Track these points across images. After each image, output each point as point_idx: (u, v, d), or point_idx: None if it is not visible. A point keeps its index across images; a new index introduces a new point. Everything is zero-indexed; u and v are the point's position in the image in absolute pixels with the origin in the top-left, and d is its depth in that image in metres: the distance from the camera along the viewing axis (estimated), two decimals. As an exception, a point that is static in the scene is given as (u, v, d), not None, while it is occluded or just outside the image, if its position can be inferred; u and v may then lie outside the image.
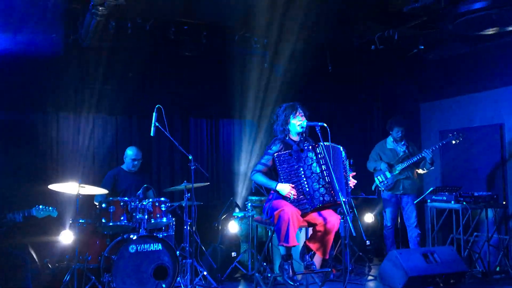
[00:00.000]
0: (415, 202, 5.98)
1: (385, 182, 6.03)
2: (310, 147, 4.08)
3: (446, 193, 5.75)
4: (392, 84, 7.67)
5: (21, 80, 5.65)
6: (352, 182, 4.17)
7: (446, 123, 7.07)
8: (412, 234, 5.99)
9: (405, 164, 5.94)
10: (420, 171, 6.04)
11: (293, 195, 4.00)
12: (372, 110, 8.11)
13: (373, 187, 6.21)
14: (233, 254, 5.84)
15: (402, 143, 6.14)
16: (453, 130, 6.11)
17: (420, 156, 5.85)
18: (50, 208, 4.07)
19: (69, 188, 4.77)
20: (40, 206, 4.01)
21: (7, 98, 5.64)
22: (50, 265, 5.07)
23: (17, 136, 5.77)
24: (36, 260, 4.95)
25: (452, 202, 5.62)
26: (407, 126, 6.24)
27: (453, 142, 5.80)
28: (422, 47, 6.17)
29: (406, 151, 6.06)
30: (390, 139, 6.19)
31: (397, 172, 5.98)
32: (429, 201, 5.94)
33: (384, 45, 6.07)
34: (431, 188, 5.85)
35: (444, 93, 7.21)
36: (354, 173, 4.24)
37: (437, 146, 5.86)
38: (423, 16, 5.50)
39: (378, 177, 6.10)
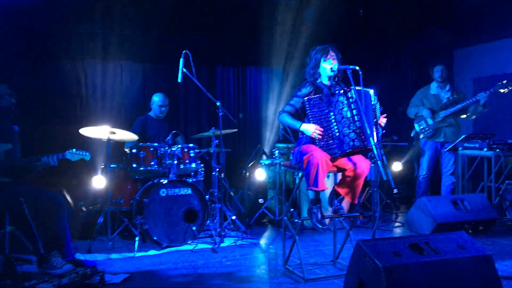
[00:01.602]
0: (446, 149, 5.85)
1: (426, 129, 5.84)
2: (342, 91, 3.99)
3: (479, 140, 5.61)
4: (424, 30, 7.39)
5: (49, 27, 5.65)
6: (382, 121, 4.07)
7: (480, 71, 6.83)
8: (446, 181, 5.90)
9: (449, 111, 5.72)
10: (470, 117, 5.82)
11: (318, 134, 3.95)
12: (403, 56, 7.87)
13: (412, 134, 6.04)
14: (261, 200, 5.92)
15: (447, 88, 5.89)
16: (486, 78, 5.87)
17: (472, 100, 5.58)
18: (83, 151, 4.14)
19: (99, 132, 4.84)
20: (74, 150, 4.08)
21: (36, 45, 5.68)
22: (84, 208, 5.24)
23: (47, 83, 5.83)
24: (71, 203, 5.11)
25: (485, 149, 5.50)
26: (447, 66, 5.95)
27: (501, 91, 5.51)
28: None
29: (451, 97, 5.82)
30: (434, 85, 5.95)
31: (440, 119, 5.77)
32: (460, 148, 5.81)
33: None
34: (463, 136, 5.71)
35: (478, 39, 6.92)
36: (385, 114, 4.14)
37: (492, 91, 5.53)
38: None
39: (420, 123, 5.90)
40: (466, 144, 5.71)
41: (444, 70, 5.84)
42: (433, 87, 5.95)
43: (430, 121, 5.82)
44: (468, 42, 7.10)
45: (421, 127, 5.89)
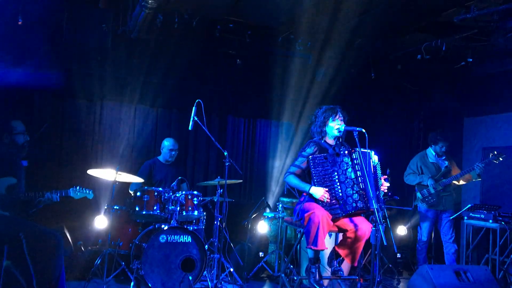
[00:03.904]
0: (451, 217, 5.81)
1: (429, 198, 5.84)
2: (346, 152, 4.04)
3: (485, 211, 5.57)
4: (436, 97, 7.50)
5: (68, 67, 5.84)
6: (384, 186, 4.07)
7: (490, 140, 6.85)
8: (449, 250, 5.81)
9: (449, 180, 5.78)
10: (461, 181, 5.88)
11: (327, 198, 3.96)
12: (413, 121, 7.95)
13: (414, 203, 6.07)
14: (261, 254, 5.84)
15: (443, 157, 5.98)
16: (496, 148, 5.92)
17: (468, 169, 5.68)
18: (86, 190, 4.18)
19: (106, 174, 4.91)
20: (77, 187, 4.13)
21: (53, 84, 5.84)
22: (83, 248, 5.22)
23: (60, 122, 5.97)
24: (70, 242, 5.10)
25: (490, 221, 5.44)
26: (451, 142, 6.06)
27: (495, 161, 5.60)
28: (471, 59, 6.00)
29: (449, 166, 5.89)
30: (431, 153, 6.01)
31: (441, 187, 5.81)
32: (466, 218, 5.76)
33: (431, 56, 5.95)
34: (469, 205, 5.67)
35: (490, 109, 6.99)
36: (385, 176, 4.15)
37: (487, 161, 5.63)
38: (474, 28, 5.36)
39: (422, 192, 5.92)
40: (471, 214, 5.67)
41: (448, 146, 5.95)
42: (430, 155, 6.01)
43: (432, 190, 5.83)
44: (479, 111, 7.16)
45: (425, 196, 5.89)
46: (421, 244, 5.97)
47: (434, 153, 5.98)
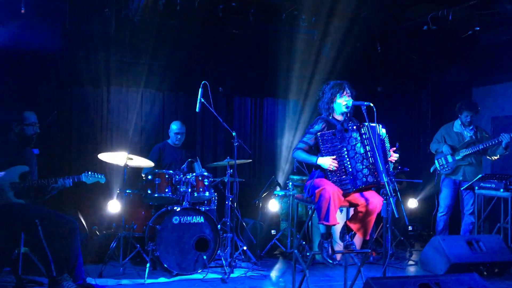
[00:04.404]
0: (463, 188, 5.79)
1: (445, 166, 5.80)
2: (355, 127, 4.02)
3: (495, 180, 5.54)
4: (443, 68, 7.42)
5: (73, 54, 5.84)
6: (393, 157, 4.07)
7: (499, 109, 6.79)
8: (466, 221, 5.82)
9: (470, 150, 5.67)
10: (490, 157, 5.76)
11: (335, 167, 3.96)
12: (421, 93, 7.89)
13: (431, 169, 6.00)
14: (273, 231, 5.90)
15: (471, 127, 5.85)
16: (506, 117, 5.84)
17: (494, 141, 5.54)
18: (98, 174, 4.23)
19: (117, 158, 4.95)
20: (89, 172, 4.18)
21: (60, 71, 5.87)
22: (98, 232, 5.31)
23: (69, 108, 6.00)
24: (85, 226, 5.18)
25: (501, 190, 5.41)
26: (476, 112, 5.89)
27: None
28: (478, 28, 5.91)
29: (473, 136, 5.79)
30: (458, 122, 5.91)
31: (460, 157, 5.73)
32: (476, 188, 5.74)
33: (437, 26, 5.87)
34: (480, 175, 5.65)
35: (498, 78, 6.91)
36: (394, 148, 4.14)
37: None
38: (480, -4, 5.28)
39: (439, 159, 5.86)
40: (482, 184, 5.63)
41: (473, 116, 5.81)
42: (457, 125, 5.92)
43: (450, 159, 5.78)
44: (487, 81, 7.09)
45: (441, 164, 5.85)
46: (440, 216, 5.93)
47: (460, 123, 5.90)
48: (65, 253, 3.93)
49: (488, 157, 5.80)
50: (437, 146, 5.93)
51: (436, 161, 5.92)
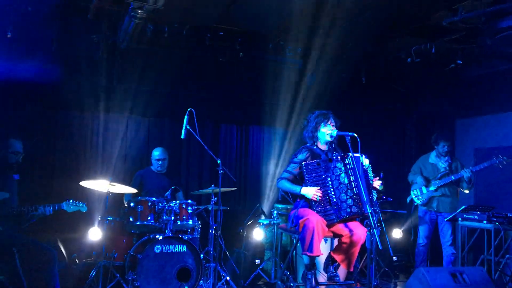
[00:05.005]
0: (446, 219, 5.82)
1: (420, 196, 5.89)
2: (339, 157, 4.04)
3: (478, 212, 5.57)
4: (427, 99, 7.54)
5: (60, 79, 5.82)
6: (376, 183, 4.07)
7: (482, 141, 6.89)
8: (446, 252, 5.82)
9: (442, 182, 5.77)
10: (463, 190, 5.85)
11: (319, 197, 3.95)
12: (405, 124, 7.99)
13: (408, 200, 6.06)
14: (257, 261, 5.82)
15: (446, 159, 5.91)
16: (488, 149, 5.92)
17: (459, 175, 5.67)
18: (80, 203, 4.16)
19: (99, 185, 4.88)
20: (71, 201, 4.12)
21: (45, 96, 5.82)
22: (77, 261, 5.18)
23: (52, 133, 5.94)
24: (65, 254, 5.07)
25: (484, 221, 5.44)
26: (452, 143, 6.03)
27: (500, 166, 5.55)
28: (460, 62, 6.05)
29: (447, 168, 5.87)
30: (433, 153, 6.00)
31: (433, 188, 5.82)
32: (460, 219, 5.76)
33: (421, 59, 5.99)
34: (463, 207, 5.68)
35: (481, 110, 7.03)
36: (379, 177, 4.16)
37: (482, 167, 5.60)
38: (462, 31, 5.40)
39: (414, 191, 5.95)
40: (465, 216, 5.67)
41: (450, 146, 5.91)
42: (432, 156, 6.02)
43: (424, 190, 5.88)
44: (470, 113, 7.20)
45: (416, 195, 5.95)
46: (419, 247, 5.97)
47: (435, 154, 5.98)
48: (42, 282, 3.83)
49: (460, 189, 5.87)
50: (413, 177, 6.05)
51: (412, 192, 6.02)
